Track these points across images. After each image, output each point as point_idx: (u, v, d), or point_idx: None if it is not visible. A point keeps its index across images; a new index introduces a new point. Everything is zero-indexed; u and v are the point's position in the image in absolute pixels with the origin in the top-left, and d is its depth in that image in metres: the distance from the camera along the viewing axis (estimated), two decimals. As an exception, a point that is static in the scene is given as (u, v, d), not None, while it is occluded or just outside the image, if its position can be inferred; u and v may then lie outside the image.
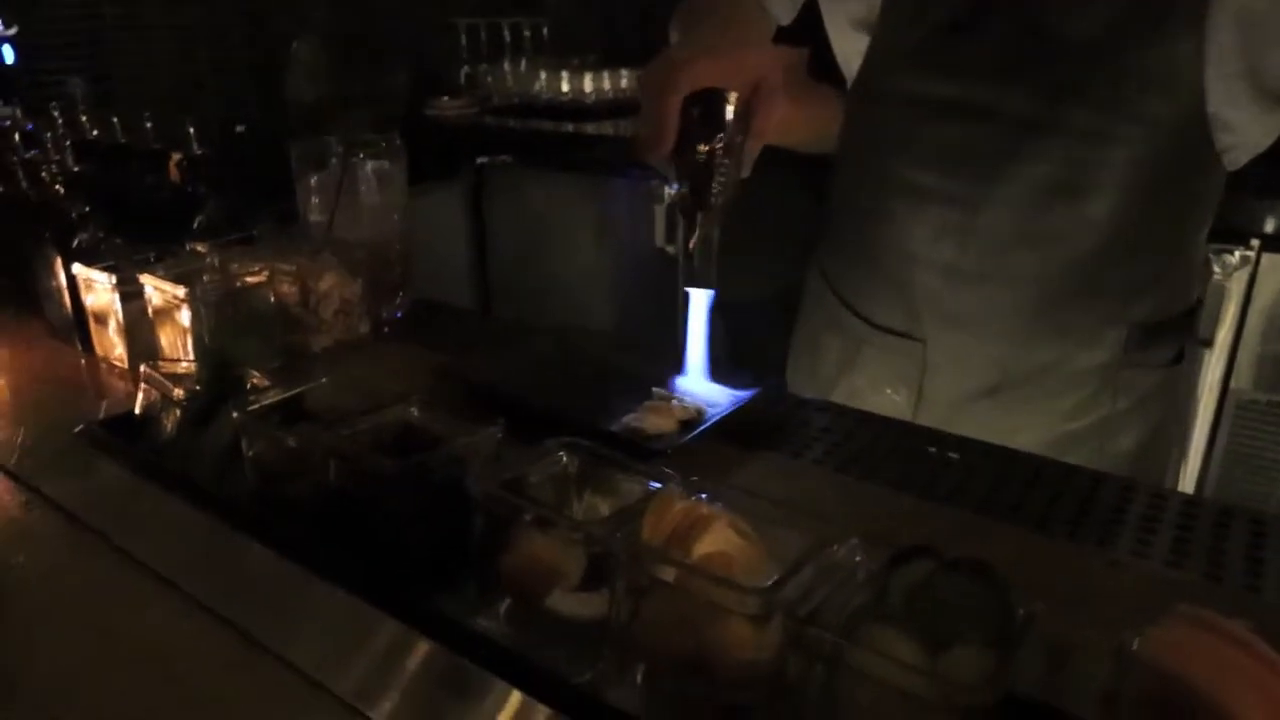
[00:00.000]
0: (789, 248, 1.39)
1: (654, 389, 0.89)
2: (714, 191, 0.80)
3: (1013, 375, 0.99)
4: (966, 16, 0.92)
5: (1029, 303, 0.96)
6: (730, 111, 0.79)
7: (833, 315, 1.12)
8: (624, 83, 2.84)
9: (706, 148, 0.79)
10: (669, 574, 0.54)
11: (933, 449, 0.84)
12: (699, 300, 0.84)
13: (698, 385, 0.88)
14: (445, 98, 2.98)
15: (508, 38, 3.11)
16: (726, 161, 0.80)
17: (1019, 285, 0.96)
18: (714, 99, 0.79)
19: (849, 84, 1.08)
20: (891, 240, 1.02)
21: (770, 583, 0.51)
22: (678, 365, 0.89)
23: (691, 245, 0.82)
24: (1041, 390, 0.99)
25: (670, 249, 2.51)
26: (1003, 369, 0.99)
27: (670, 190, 2.52)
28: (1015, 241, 0.94)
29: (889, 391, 1.06)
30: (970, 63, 0.93)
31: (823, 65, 1.12)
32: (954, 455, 0.83)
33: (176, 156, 1.17)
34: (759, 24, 0.98)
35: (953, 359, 1.01)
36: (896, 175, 1.00)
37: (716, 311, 0.85)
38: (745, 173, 0.83)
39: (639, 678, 0.56)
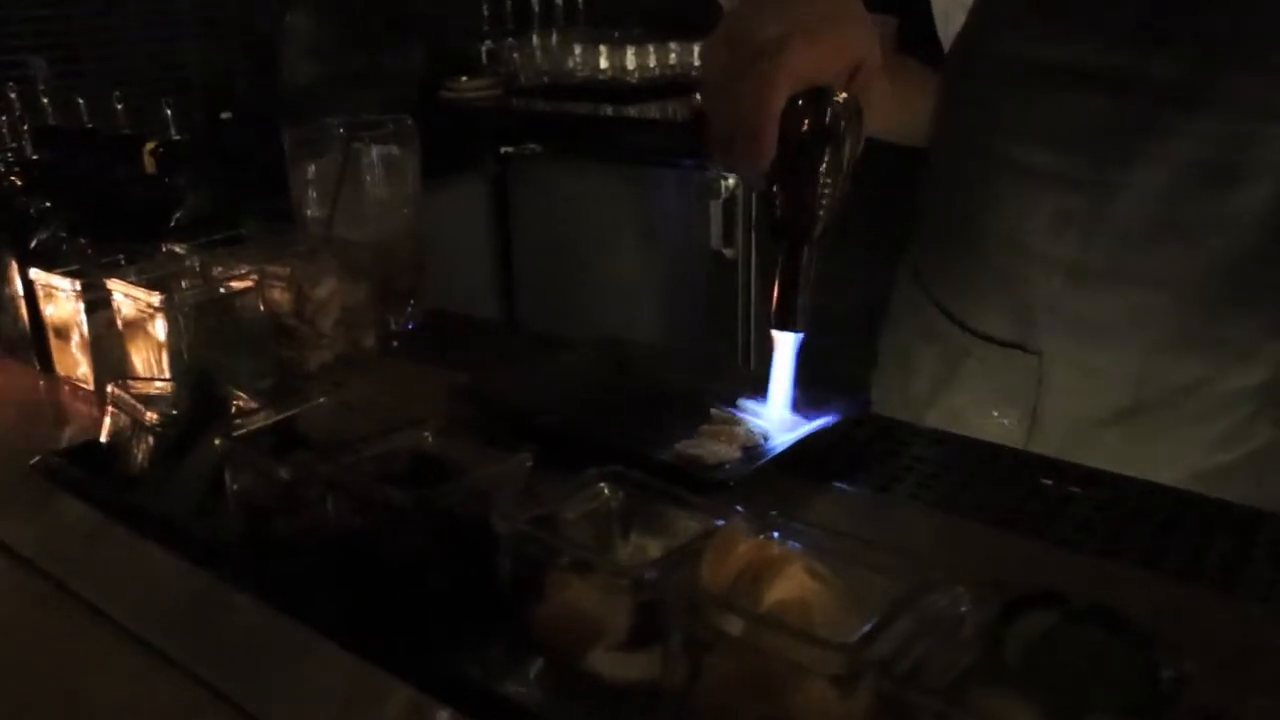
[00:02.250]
0: (870, 247, 1.38)
1: (712, 410, 0.88)
2: (820, 213, 0.79)
3: (1150, 396, 0.97)
4: None
5: (1170, 308, 0.94)
6: (841, 113, 0.78)
7: (928, 323, 1.11)
8: (673, 58, 2.86)
9: (812, 161, 0.78)
10: (734, 626, 0.53)
11: (1049, 481, 0.82)
12: (785, 346, 0.84)
13: (767, 408, 0.87)
14: (464, 77, 3.01)
15: (536, 7, 3.13)
16: (830, 178, 0.78)
17: (1158, 287, 0.94)
18: (821, 101, 0.77)
19: (947, 47, 1.07)
20: (1000, 232, 1.01)
21: (858, 636, 0.50)
22: (739, 383, 0.88)
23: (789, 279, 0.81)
24: (1186, 415, 0.97)
25: (728, 252, 2.52)
26: (1137, 388, 0.97)
27: (724, 182, 2.52)
28: (1154, 235, 0.92)
29: (996, 414, 1.04)
30: (1103, 20, 0.91)
31: (909, 33, 1.11)
32: (1076, 489, 0.81)
33: (151, 144, 1.19)
34: None
35: (1075, 376, 0.99)
36: (1007, 155, 0.98)
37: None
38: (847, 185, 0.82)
39: (699, 753, 0.55)
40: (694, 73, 2.77)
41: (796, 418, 0.87)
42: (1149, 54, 0.89)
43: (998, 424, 1.03)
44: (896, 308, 1.20)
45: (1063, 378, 1.00)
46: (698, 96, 2.64)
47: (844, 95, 0.78)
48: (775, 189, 0.80)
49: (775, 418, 0.87)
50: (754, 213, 2.46)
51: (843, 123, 0.78)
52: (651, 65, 2.86)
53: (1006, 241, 1.00)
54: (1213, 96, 0.87)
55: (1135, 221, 0.92)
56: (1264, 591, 0.68)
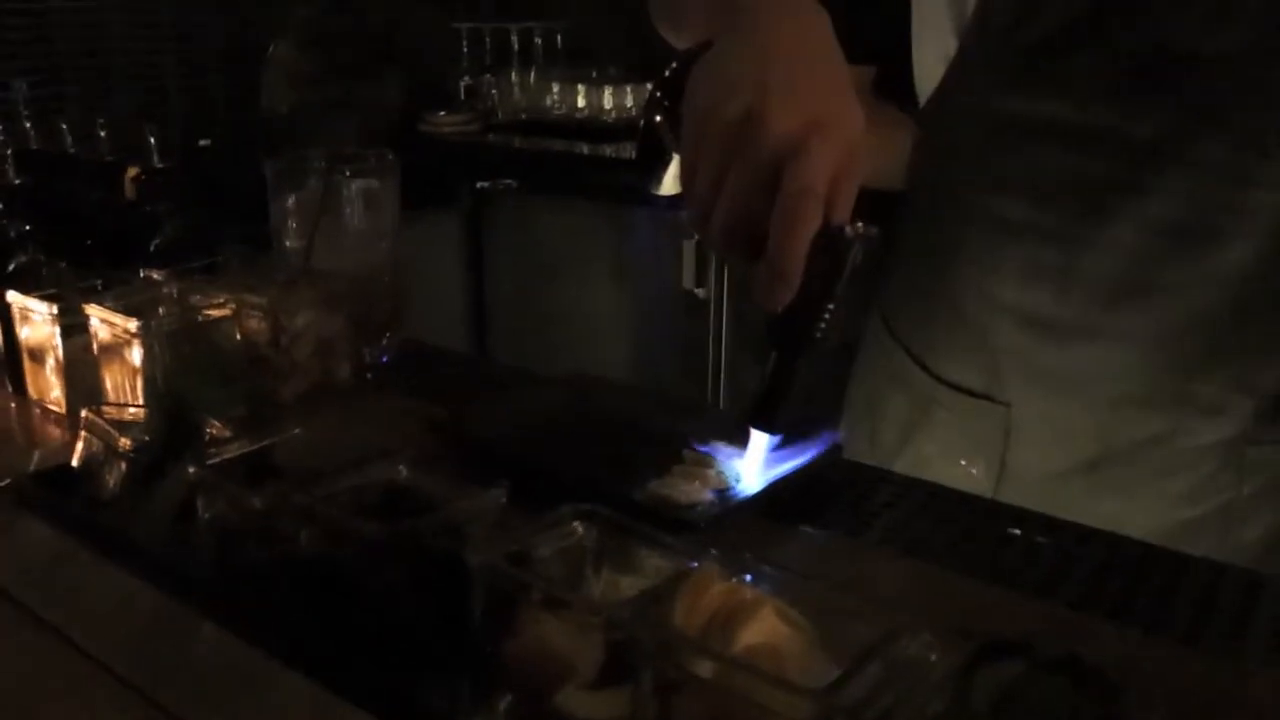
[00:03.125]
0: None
1: (685, 451, 0.88)
2: (821, 333, 0.77)
3: (1115, 449, 0.98)
4: (1082, 24, 0.92)
5: (1139, 364, 0.95)
6: (859, 251, 0.76)
7: (897, 370, 1.11)
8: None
9: (823, 294, 0.76)
10: (705, 668, 0.53)
11: (1017, 530, 0.83)
12: (759, 441, 0.83)
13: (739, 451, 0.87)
14: (442, 112, 3.02)
15: (516, 45, 3.15)
16: (837, 303, 0.77)
17: (1127, 343, 0.94)
18: (837, 243, 0.75)
19: (923, 99, 1.08)
20: (971, 282, 1.01)
21: (828, 683, 0.50)
22: (711, 425, 0.88)
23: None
24: (1150, 469, 0.98)
25: (700, 292, 2.52)
26: (1103, 441, 0.98)
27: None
28: (1124, 291, 0.93)
29: (964, 463, 1.05)
30: (1082, 78, 0.92)
31: (886, 80, 1.12)
32: (1043, 539, 0.81)
33: (132, 171, 1.19)
34: (818, 22, 0.84)
35: (1042, 427, 1.00)
36: (980, 206, 0.99)
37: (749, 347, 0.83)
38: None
39: (666, 795, 0.55)
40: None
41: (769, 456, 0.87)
42: (1125, 114, 0.90)
43: (966, 474, 1.03)
44: (867, 354, 1.20)
45: (1030, 429, 1.00)
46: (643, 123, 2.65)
47: (859, 229, 0.76)
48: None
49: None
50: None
51: (859, 260, 0.76)
52: (628, 105, 2.88)
53: (977, 292, 1.01)
54: (1186, 159, 0.88)
55: (1106, 277, 0.93)
56: (1228, 645, 0.69)
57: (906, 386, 1.10)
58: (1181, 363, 0.94)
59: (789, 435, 0.83)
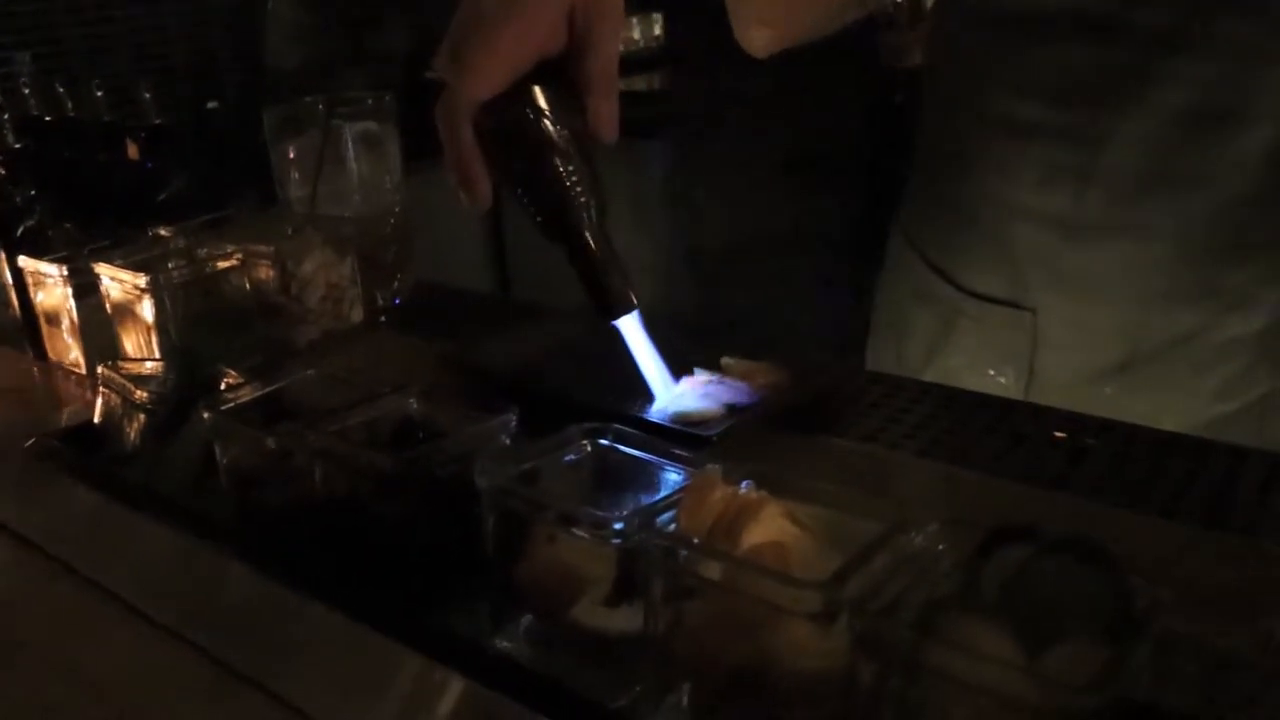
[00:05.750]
0: (759, 186, 1.35)
1: (695, 370, 0.89)
2: (576, 201, 0.79)
3: (1145, 348, 0.98)
4: None
5: (1164, 260, 0.94)
6: (541, 102, 0.77)
7: (920, 284, 1.11)
8: (656, 30, 2.87)
9: (532, 167, 0.78)
10: (713, 571, 0.54)
11: (1031, 428, 0.83)
12: (629, 327, 0.83)
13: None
14: (448, 55, 3.00)
15: (523, -17, 3.12)
16: (566, 163, 0.78)
17: (1151, 239, 0.94)
18: (515, 101, 0.77)
19: (929, 3, 1.07)
20: (989, 188, 1.01)
21: (832, 574, 0.51)
22: (721, 346, 0.89)
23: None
24: (1183, 366, 0.97)
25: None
26: (1133, 341, 0.98)
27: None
28: (1147, 185, 0.92)
29: (992, 373, 1.04)
30: None
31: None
32: (1059, 434, 0.82)
33: (133, 129, 1.20)
34: None
35: (1070, 331, 1.00)
36: (994, 108, 0.99)
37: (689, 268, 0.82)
38: (612, 135, 0.81)
39: (684, 698, 0.56)
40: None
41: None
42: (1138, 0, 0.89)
43: (995, 384, 1.03)
44: (889, 270, 1.20)
45: (1057, 333, 1.00)
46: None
47: (537, 90, 0.77)
48: (521, 197, 0.81)
49: (663, 397, 0.86)
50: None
51: (537, 121, 0.77)
52: (636, 38, 2.86)
53: (997, 197, 1.01)
54: (1204, 41, 0.87)
55: (1126, 172, 0.93)
56: (1244, 527, 0.69)
57: (931, 301, 1.10)
58: (1206, 255, 0.93)
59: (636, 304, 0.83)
